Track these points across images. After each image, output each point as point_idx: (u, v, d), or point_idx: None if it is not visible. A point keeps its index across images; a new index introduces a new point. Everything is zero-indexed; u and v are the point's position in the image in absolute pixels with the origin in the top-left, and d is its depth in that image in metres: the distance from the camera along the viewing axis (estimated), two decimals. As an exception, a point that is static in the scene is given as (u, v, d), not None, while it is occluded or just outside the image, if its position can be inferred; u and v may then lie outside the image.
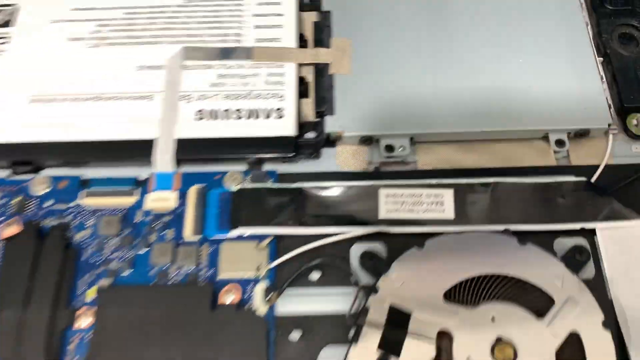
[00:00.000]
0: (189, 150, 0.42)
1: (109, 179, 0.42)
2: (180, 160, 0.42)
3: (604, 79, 0.44)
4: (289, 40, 0.46)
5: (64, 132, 0.42)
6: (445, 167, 0.43)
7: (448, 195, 0.40)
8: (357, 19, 0.47)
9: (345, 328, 0.37)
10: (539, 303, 0.37)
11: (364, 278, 0.39)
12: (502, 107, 0.43)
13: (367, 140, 0.43)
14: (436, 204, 0.40)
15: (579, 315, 0.36)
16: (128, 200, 0.41)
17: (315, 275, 0.39)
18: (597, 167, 0.42)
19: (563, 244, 0.39)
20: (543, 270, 0.37)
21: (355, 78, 0.44)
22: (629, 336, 0.36)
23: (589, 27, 0.46)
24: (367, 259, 0.39)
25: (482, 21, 0.46)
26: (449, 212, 0.40)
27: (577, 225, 0.39)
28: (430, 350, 0.35)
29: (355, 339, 0.36)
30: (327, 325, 0.37)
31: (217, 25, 0.46)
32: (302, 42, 0.46)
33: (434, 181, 0.40)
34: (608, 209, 0.39)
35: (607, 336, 0.36)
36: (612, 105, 0.43)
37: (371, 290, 0.37)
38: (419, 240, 0.39)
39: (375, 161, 0.43)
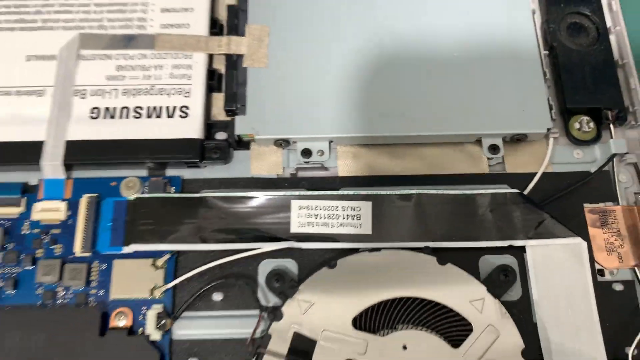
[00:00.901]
0: (82, 153, 0.37)
1: (-6, 184, 0.38)
2: (72, 164, 0.38)
3: (547, 75, 0.40)
4: (200, 26, 0.41)
5: (-60, 131, 0.38)
6: (369, 174, 0.39)
7: (366, 208, 0.36)
8: (277, 2, 0.41)
9: (246, 355, 0.34)
10: (456, 330, 0.34)
11: (272, 300, 0.35)
12: (432, 108, 0.38)
13: (283, 144, 0.39)
14: (353, 217, 0.36)
15: (498, 345, 0.33)
16: (13, 210, 0.37)
17: (217, 297, 0.36)
18: (534, 175, 0.38)
19: (489, 262, 0.36)
20: (463, 294, 0.34)
21: (270, 72, 0.39)
22: (551, 364, 0.34)
23: (536, 14, 0.42)
24: (275, 279, 0.35)
25: (412, 9, 0.41)
26: (365, 227, 0.36)
27: (505, 243, 0.36)
28: (336, 382, 0.33)
29: (254, 369, 0.33)
30: (227, 352, 0.34)
31: (119, 8, 0.41)
32: (215, 29, 0.41)
33: (350, 192, 0.37)
34: (540, 224, 0.36)
35: (526, 367, 0.33)
36: (553, 106, 0.39)
37: (275, 315, 0.34)
38: (333, 257, 0.36)
39: (291, 166, 0.39)
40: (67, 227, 0.37)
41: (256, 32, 0.40)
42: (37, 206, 0.37)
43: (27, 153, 0.37)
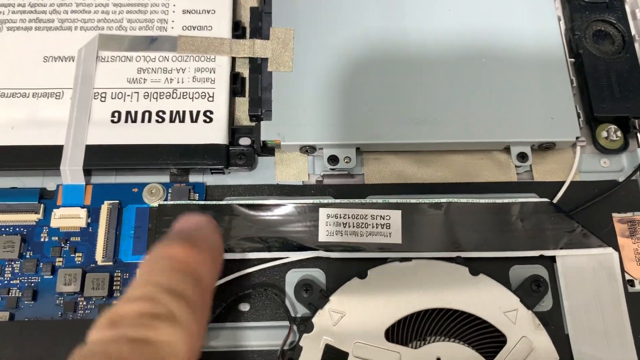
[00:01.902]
0: (103, 158, 0.36)
1: (10, 190, 0.37)
2: (92, 170, 0.37)
3: (574, 83, 0.39)
4: (222, 28, 0.40)
5: (-46, 134, 0.36)
6: (396, 182, 0.38)
7: (395, 216, 0.36)
8: (302, 5, 0.40)
9: (275, 368, 0.33)
10: (489, 341, 0.33)
11: (301, 310, 0.34)
12: (460, 115, 0.38)
13: (309, 150, 0.38)
14: (382, 226, 0.36)
15: (533, 357, 0.33)
16: (31, 217, 0.36)
17: (244, 307, 0.35)
18: (562, 183, 0.38)
19: (519, 273, 0.36)
20: (496, 305, 0.34)
21: (296, 76, 0.39)
22: (585, 378, 0.33)
23: (562, 22, 0.41)
24: (304, 289, 0.34)
25: (440, 16, 0.41)
26: (395, 236, 0.35)
27: (535, 253, 0.35)
28: (368, 395, 0.32)
29: (285, 383, 0.32)
30: (256, 364, 0.34)
31: (139, 9, 0.40)
32: (238, 32, 0.40)
33: (380, 200, 0.36)
34: (570, 234, 0.36)
35: (561, 379, 0.33)
36: (581, 115, 0.39)
37: (305, 326, 0.33)
38: (362, 266, 0.35)
39: (317, 173, 0.38)
40: (88, 235, 0.36)
41: (281, 35, 0.39)
42: (56, 213, 0.36)
43: (46, 157, 0.36)
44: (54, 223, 0.35)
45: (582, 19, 0.42)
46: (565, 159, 0.39)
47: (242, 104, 0.39)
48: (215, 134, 0.37)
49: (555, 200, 0.37)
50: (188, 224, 0.25)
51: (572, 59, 0.41)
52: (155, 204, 0.36)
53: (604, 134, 0.39)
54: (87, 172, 0.37)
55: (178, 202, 0.36)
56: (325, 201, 0.36)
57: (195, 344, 0.22)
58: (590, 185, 0.38)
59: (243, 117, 0.39)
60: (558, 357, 0.33)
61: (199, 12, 0.40)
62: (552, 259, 0.36)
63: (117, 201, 0.36)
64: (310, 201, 0.36)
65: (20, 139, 0.36)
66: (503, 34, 0.40)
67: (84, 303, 0.34)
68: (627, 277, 0.36)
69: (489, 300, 0.34)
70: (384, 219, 0.36)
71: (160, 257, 0.23)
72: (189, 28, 0.40)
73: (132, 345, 0.19)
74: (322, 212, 0.36)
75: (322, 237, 0.35)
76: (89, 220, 0.36)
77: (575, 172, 0.38)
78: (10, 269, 0.35)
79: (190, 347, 0.21)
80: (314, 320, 0.33)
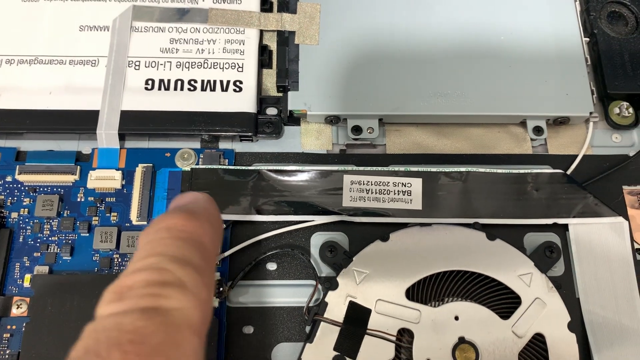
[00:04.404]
0: (137, 123, 0.38)
1: (48, 152, 0.38)
2: (126, 134, 0.38)
3: (588, 62, 0.41)
4: (251, 2, 0.41)
5: (-5, 98, 0.38)
6: (416, 152, 0.40)
7: (416, 184, 0.37)
8: (328, -19, 0.42)
9: (302, 323, 0.35)
10: (505, 302, 0.35)
11: (324, 270, 0.36)
12: (479, 89, 0.40)
13: (333, 120, 0.39)
14: (403, 193, 0.37)
15: (545, 317, 0.35)
16: (68, 178, 0.37)
17: (271, 266, 0.36)
18: (575, 157, 0.40)
19: (533, 240, 0.38)
20: (511, 268, 0.36)
21: (322, 50, 0.40)
22: (594, 338, 0.35)
23: (577, 3, 0.43)
24: (328, 250, 0.36)
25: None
26: (416, 203, 0.37)
27: (549, 221, 0.37)
28: (390, 350, 0.34)
29: (311, 337, 0.34)
30: (283, 319, 0.35)
31: (172, -19, 0.41)
32: (266, 6, 0.42)
33: (402, 168, 0.38)
34: (583, 204, 0.37)
35: (572, 338, 0.35)
36: (594, 91, 0.40)
37: (330, 284, 0.35)
38: (383, 230, 0.37)
39: (341, 143, 0.40)
40: (122, 196, 0.37)
41: (308, 9, 0.41)
42: (92, 174, 0.37)
43: (82, 121, 0.38)
44: (90, 184, 0.37)
45: (598, 0, 0.43)
46: (579, 134, 0.41)
47: (269, 76, 0.41)
48: (244, 102, 0.38)
49: (568, 172, 0.39)
50: (184, 199, 0.25)
51: (587, 39, 0.42)
52: (188, 168, 0.37)
53: (616, 110, 0.41)
54: (121, 137, 0.38)
55: (210, 166, 0.37)
56: (350, 168, 0.38)
57: (207, 310, 0.21)
58: (602, 158, 0.40)
59: (269, 87, 0.40)
60: (569, 317, 0.35)
61: (229, -14, 0.41)
62: (565, 227, 0.38)
63: (151, 164, 0.38)
64: (335, 168, 0.38)
65: (57, 104, 0.38)
66: (521, 13, 0.42)
67: (119, 259, 0.36)
68: (636, 246, 0.38)
69: (505, 264, 0.36)
70: (405, 186, 0.37)
71: (160, 228, 0.22)
72: (219, 1, 0.41)
73: (144, 316, 0.19)
74: (346, 178, 0.37)
75: (346, 202, 0.37)
76: (124, 182, 0.37)
77: (587, 146, 0.40)
78: (48, 226, 0.36)
79: (202, 313, 0.21)
80: (338, 278, 0.35)
